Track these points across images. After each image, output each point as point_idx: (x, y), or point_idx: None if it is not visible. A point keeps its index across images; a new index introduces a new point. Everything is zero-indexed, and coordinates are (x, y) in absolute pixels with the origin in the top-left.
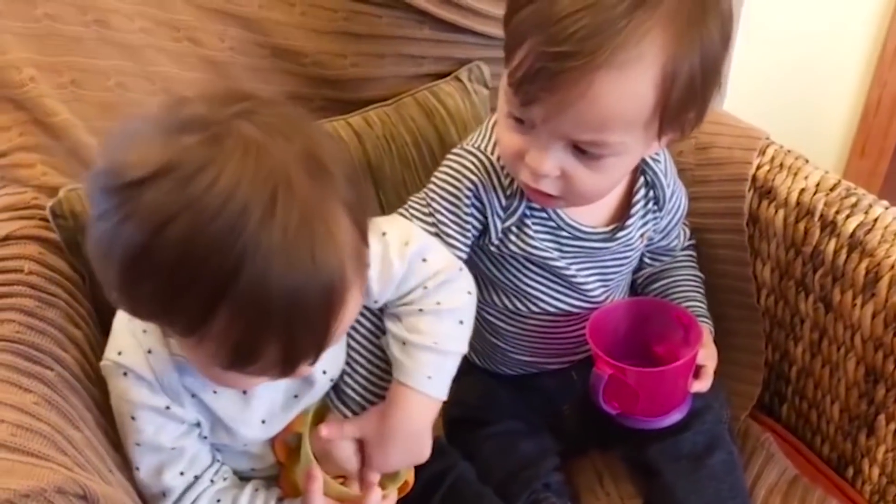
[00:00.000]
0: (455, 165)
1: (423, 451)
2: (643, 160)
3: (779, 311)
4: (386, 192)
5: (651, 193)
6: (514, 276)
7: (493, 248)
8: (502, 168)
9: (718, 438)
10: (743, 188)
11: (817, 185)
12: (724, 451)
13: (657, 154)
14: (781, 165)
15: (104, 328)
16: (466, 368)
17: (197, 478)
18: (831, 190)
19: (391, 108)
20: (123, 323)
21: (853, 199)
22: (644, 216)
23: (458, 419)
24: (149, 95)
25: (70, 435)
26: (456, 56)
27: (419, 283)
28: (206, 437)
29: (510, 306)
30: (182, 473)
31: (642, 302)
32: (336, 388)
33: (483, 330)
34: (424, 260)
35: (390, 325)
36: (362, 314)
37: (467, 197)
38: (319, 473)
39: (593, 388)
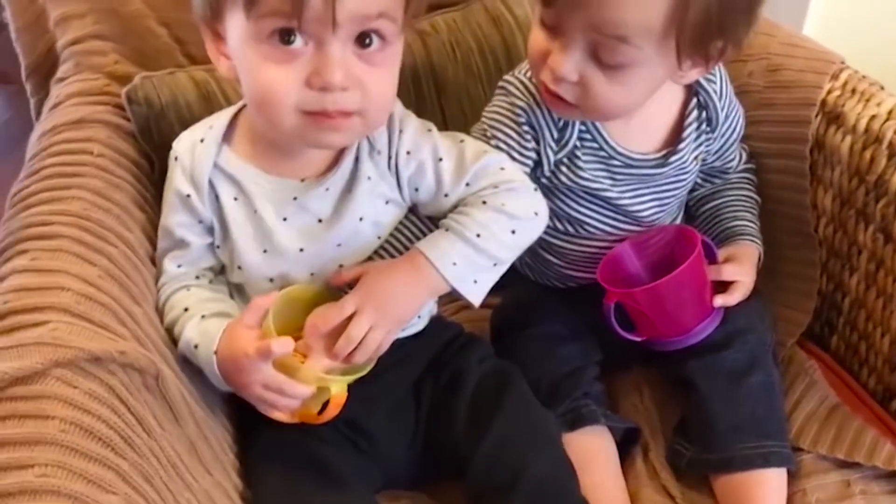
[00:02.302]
0: (507, 95)
1: (401, 321)
2: (697, 83)
3: (836, 241)
4: (448, 98)
5: (703, 115)
6: (567, 204)
7: (544, 181)
8: None
9: (759, 359)
10: (810, 113)
11: (889, 112)
12: (763, 373)
13: (711, 74)
14: (854, 91)
15: None
16: (516, 278)
17: (183, 275)
18: None
19: (458, 14)
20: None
21: None
22: (697, 138)
23: (503, 323)
24: None
25: (130, 309)
26: None
27: (491, 182)
28: (218, 248)
29: (562, 228)
30: (179, 266)
31: (653, 233)
32: None
33: (536, 245)
34: (502, 168)
35: (442, 221)
36: (424, 224)
37: (524, 123)
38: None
39: (607, 321)
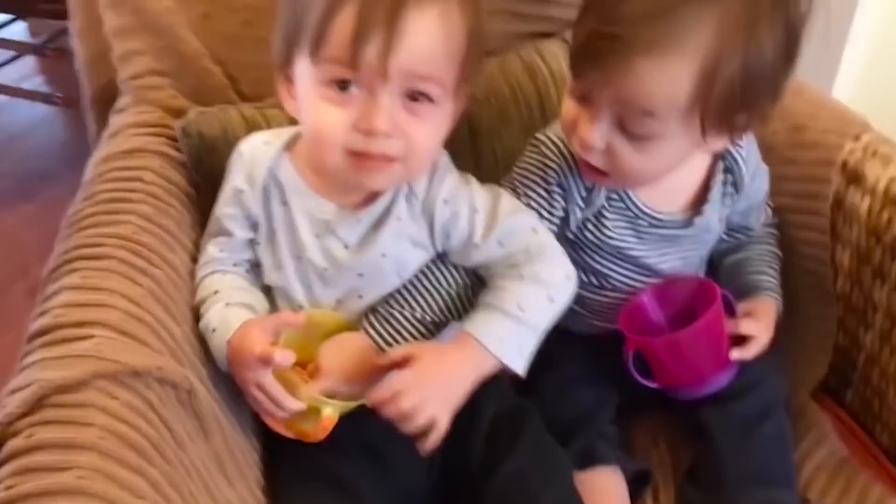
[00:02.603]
0: (538, 153)
1: (448, 408)
2: (724, 148)
3: (853, 297)
4: (481, 144)
5: (730, 178)
6: (592, 259)
7: (569, 236)
8: None
9: (772, 410)
10: (831, 172)
11: None
12: (775, 423)
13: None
14: (875, 153)
15: None
16: None
17: (222, 260)
18: None
19: (495, 65)
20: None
21: None
22: (722, 201)
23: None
24: (272, 33)
25: (171, 328)
26: (563, 17)
27: (523, 246)
28: (258, 245)
29: (586, 280)
30: (221, 251)
31: (675, 284)
32: (384, 316)
33: None
34: (534, 230)
35: (481, 296)
36: (448, 272)
37: (554, 182)
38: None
39: (626, 367)
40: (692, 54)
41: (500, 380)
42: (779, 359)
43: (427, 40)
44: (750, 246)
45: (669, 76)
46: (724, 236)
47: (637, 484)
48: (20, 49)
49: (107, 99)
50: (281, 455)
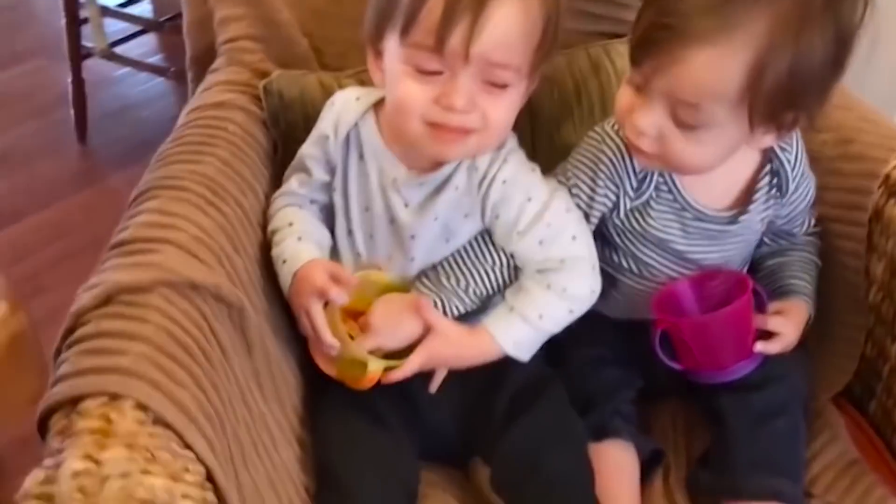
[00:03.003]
0: (595, 144)
1: (446, 369)
2: (772, 151)
3: (884, 309)
4: (540, 132)
5: (775, 181)
6: (635, 247)
7: (617, 222)
8: None
9: (789, 406)
10: (873, 185)
11: None
12: (790, 419)
13: (787, 144)
14: None
15: None
16: None
17: (301, 196)
18: None
19: (562, 57)
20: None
21: None
22: (766, 202)
23: (555, 341)
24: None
25: (232, 258)
26: (633, 20)
27: (560, 255)
28: (334, 190)
29: (626, 267)
30: (299, 187)
31: (713, 275)
32: (436, 283)
33: (602, 279)
34: (574, 238)
35: (508, 293)
36: (496, 253)
37: (603, 174)
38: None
39: (652, 344)
40: (742, 48)
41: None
42: (804, 359)
43: (507, 29)
44: (790, 252)
45: (720, 67)
46: (767, 240)
47: (650, 463)
48: (143, 24)
49: (205, 61)
50: (325, 386)
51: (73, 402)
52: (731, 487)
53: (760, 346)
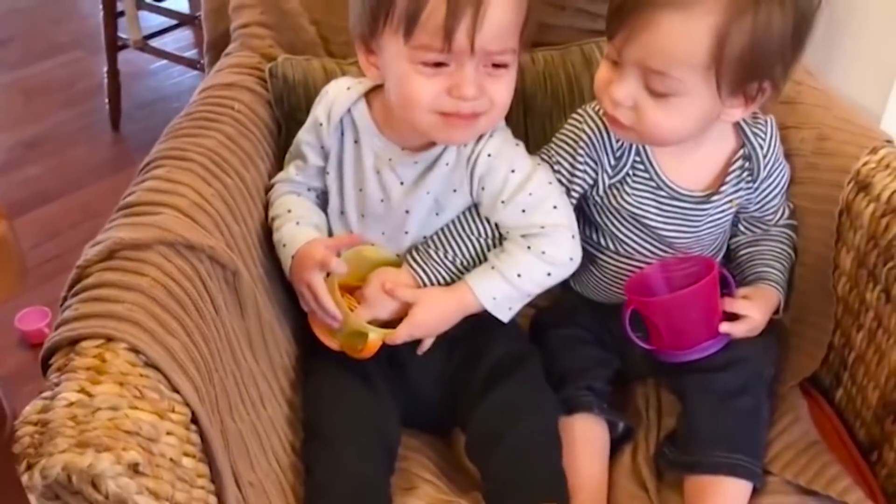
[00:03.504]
0: (576, 124)
1: (432, 335)
2: (745, 136)
3: (851, 299)
4: (533, 120)
5: (747, 164)
6: (612, 224)
7: (597, 198)
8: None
9: (751, 387)
10: (844, 180)
11: None
12: (752, 399)
13: (761, 131)
14: (887, 166)
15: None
16: (562, 289)
17: (299, 183)
18: None
19: (557, 52)
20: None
21: None
22: (737, 184)
23: (537, 321)
24: None
25: (230, 225)
26: None
27: (541, 221)
28: (328, 174)
29: (604, 244)
30: (297, 174)
31: (682, 261)
32: (423, 255)
33: (583, 257)
34: (555, 207)
35: (491, 255)
36: (481, 224)
37: (583, 152)
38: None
39: (622, 324)
40: (707, 13)
41: (514, 326)
42: (770, 344)
43: (503, 17)
44: (764, 241)
45: (686, 32)
46: (742, 228)
47: (622, 441)
48: (177, 18)
49: (221, 46)
50: (317, 350)
51: (72, 344)
52: (691, 462)
53: (726, 327)
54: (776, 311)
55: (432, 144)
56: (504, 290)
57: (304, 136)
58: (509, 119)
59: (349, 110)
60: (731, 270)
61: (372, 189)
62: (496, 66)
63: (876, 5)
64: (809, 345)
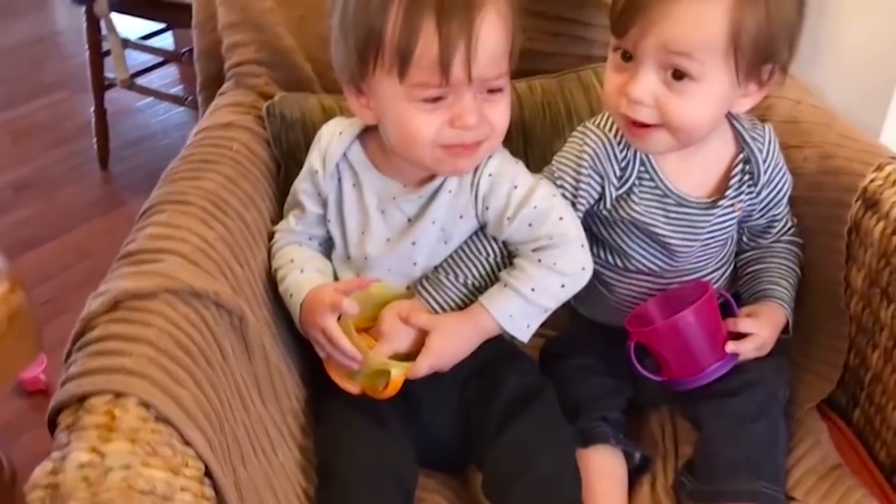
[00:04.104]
0: (578, 140)
1: (451, 363)
2: (744, 141)
3: (864, 318)
4: (533, 150)
5: (748, 169)
6: (620, 238)
7: (605, 213)
8: (618, 143)
9: (767, 410)
10: (851, 198)
11: None
12: (768, 422)
13: (759, 136)
14: (894, 183)
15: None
16: (570, 316)
17: (299, 233)
18: None
19: (554, 80)
20: (348, 119)
21: None
22: (739, 188)
23: (548, 351)
24: None
25: (234, 268)
26: None
27: (549, 233)
28: (329, 221)
29: (612, 261)
30: (297, 224)
31: (677, 290)
32: (434, 282)
33: (592, 279)
34: (561, 218)
35: (502, 273)
36: (489, 244)
37: (586, 166)
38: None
39: (628, 359)
40: None
41: (526, 359)
42: (782, 366)
43: (494, 44)
44: (770, 259)
45: (704, 15)
46: (746, 239)
47: (639, 471)
48: (164, 55)
49: (214, 85)
50: (328, 391)
51: (80, 401)
52: (712, 491)
53: (732, 346)
54: (785, 330)
55: (434, 176)
56: (519, 306)
57: (300, 184)
58: (510, 149)
59: (345, 154)
60: (738, 289)
61: (377, 229)
62: (491, 91)
63: (873, 22)
64: (824, 366)
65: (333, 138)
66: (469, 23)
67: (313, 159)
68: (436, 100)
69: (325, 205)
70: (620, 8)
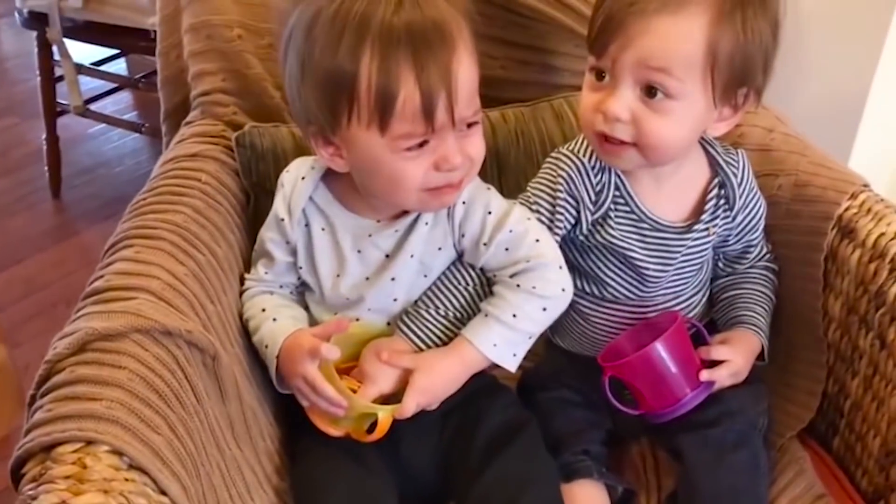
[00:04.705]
0: (553, 165)
1: (437, 401)
2: (719, 166)
3: (842, 346)
4: (507, 178)
5: (723, 192)
6: (595, 264)
7: (581, 238)
8: (592, 167)
9: (747, 440)
10: (827, 226)
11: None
12: (749, 452)
13: (733, 160)
14: (869, 210)
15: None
16: (547, 347)
17: (270, 282)
18: None
19: (527, 109)
20: (308, 160)
21: None
22: (714, 212)
23: (526, 384)
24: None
25: (205, 304)
26: None
27: (526, 255)
28: (300, 269)
29: (588, 290)
30: (266, 273)
31: (648, 325)
32: (414, 316)
33: (567, 308)
34: (537, 240)
35: (483, 303)
36: (467, 272)
37: (562, 193)
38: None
39: (603, 394)
40: (699, 13)
41: (508, 393)
42: (760, 394)
43: (471, 82)
44: (745, 285)
45: (682, 30)
46: (721, 265)
47: (622, 503)
48: (118, 81)
49: (179, 115)
50: (304, 431)
51: (48, 449)
52: None
53: (706, 374)
54: (760, 357)
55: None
56: (502, 334)
57: (267, 233)
58: (484, 177)
59: (311, 198)
60: (713, 316)
61: (354, 269)
62: (469, 125)
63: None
64: (802, 394)
65: (297, 184)
66: (447, 68)
67: (278, 207)
68: (420, 146)
69: (294, 252)
70: (599, 26)
